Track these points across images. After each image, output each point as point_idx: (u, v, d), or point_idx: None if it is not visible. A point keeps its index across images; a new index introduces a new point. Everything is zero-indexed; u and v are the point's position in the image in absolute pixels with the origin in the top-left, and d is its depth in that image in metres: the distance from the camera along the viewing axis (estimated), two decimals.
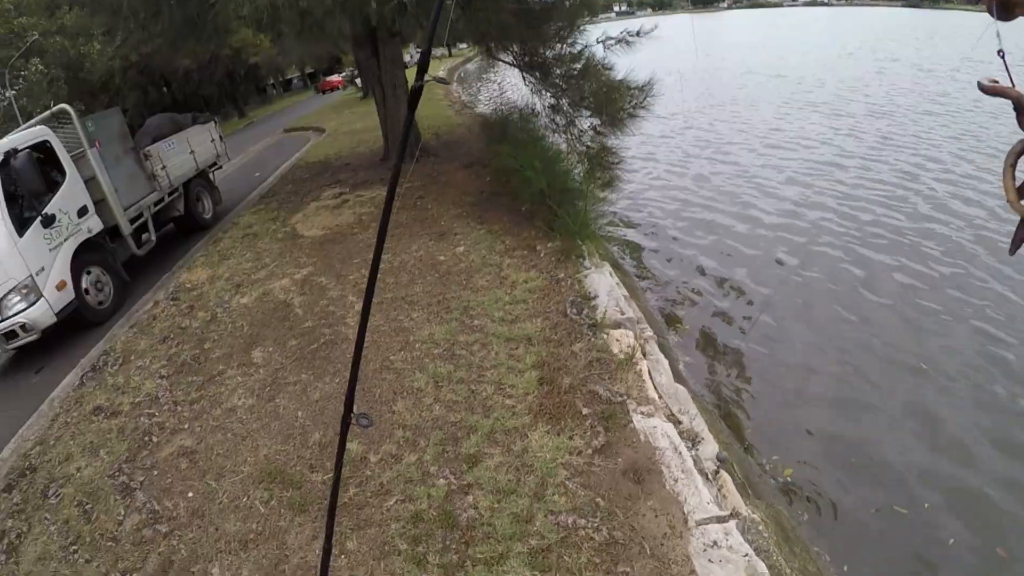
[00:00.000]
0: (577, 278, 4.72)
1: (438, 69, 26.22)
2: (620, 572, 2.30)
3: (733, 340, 4.97)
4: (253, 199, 9.02)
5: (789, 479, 3.50)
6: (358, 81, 21.70)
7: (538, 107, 7.07)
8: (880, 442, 3.82)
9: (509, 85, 13.15)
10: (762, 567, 2.34)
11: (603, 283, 4.63)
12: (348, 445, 2.65)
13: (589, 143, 6.64)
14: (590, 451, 2.89)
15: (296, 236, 6.62)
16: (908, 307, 5.30)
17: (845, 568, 2.93)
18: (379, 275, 4.90)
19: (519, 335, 3.86)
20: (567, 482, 2.69)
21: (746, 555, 2.39)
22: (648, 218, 7.75)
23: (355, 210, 7.01)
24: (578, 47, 6.74)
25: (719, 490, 2.81)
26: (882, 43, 27.75)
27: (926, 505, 3.35)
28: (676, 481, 2.71)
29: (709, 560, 2.35)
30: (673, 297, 5.65)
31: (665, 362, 3.87)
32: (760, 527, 2.64)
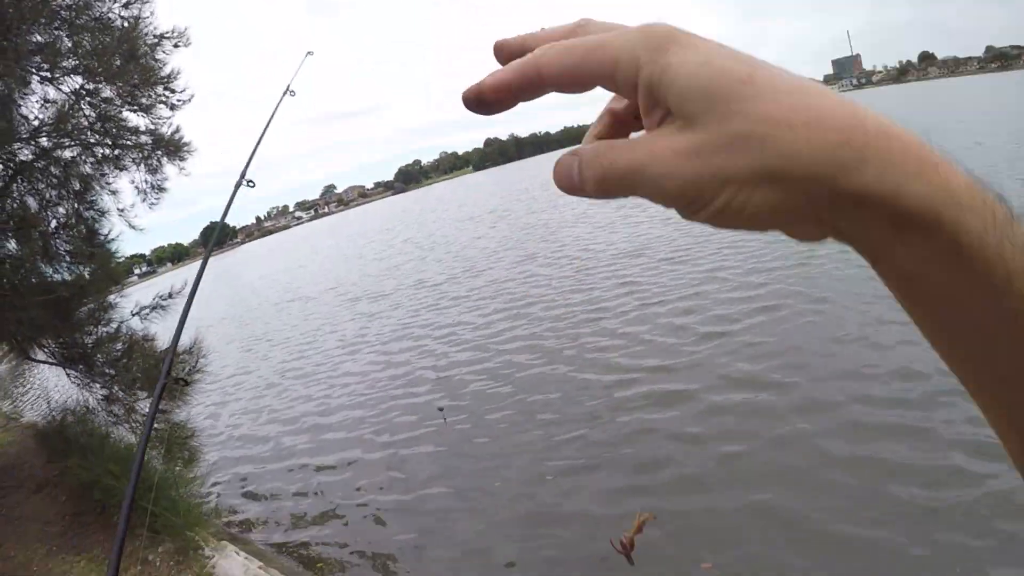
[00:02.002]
0: (206, 573, 4.51)
1: None
2: None
3: (381, 541, 5.08)
4: None
5: None
6: None
7: (91, 403, 6.42)
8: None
9: (53, 386, 13.03)
10: None
11: (235, 566, 4.51)
12: None
13: (156, 425, 6.12)
14: None
15: None
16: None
17: None
18: None
19: None
20: None
21: None
22: (239, 471, 7.70)
23: None
24: (114, 325, 6.22)
25: None
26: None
27: None
28: None
29: None
30: (300, 538, 5.54)
31: None
32: None
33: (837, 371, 5.19)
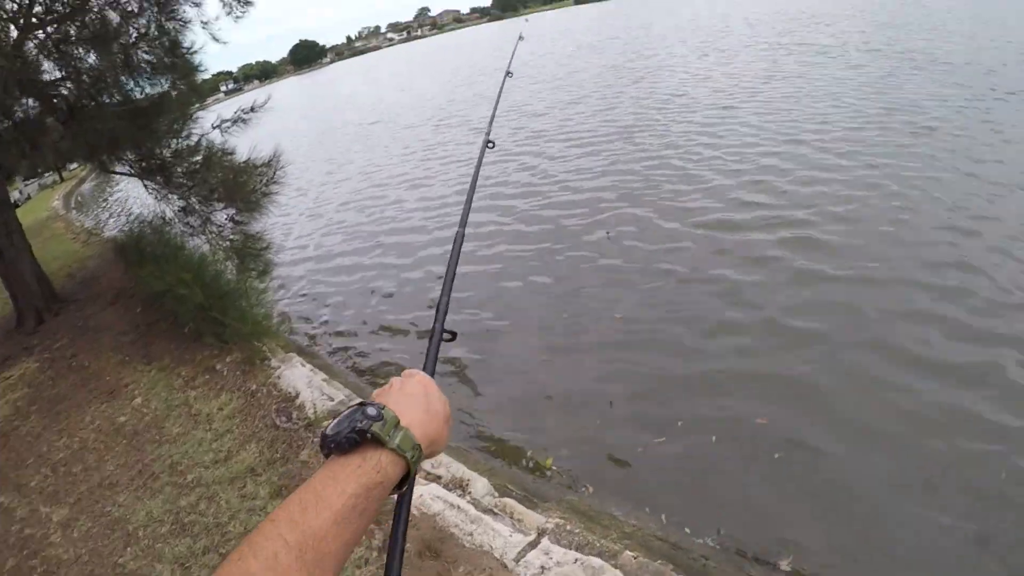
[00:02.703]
0: (270, 383, 4.49)
1: (51, 199, 21.81)
2: None
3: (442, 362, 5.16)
4: None
5: (554, 467, 3.65)
6: None
7: (168, 214, 6.55)
8: (608, 392, 4.19)
9: (133, 199, 11.41)
10: (595, 561, 2.45)
11: (299, 376, 4.50)
12: None
13: (231, 236, 6.20)
14: (374, 553, 2.75)
15: None
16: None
17: (647, 510, 3.20)
18: (63, 468, 4.32)
19: (240, 471, 3.58)
20: None
21: (575, 560, 2.49)
22: (308, 287, 7.86)
23: (7, 397, 5.73)
24: (194, 138, 6.34)
25: (511, 518, 2.87)
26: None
27: (678, 424, 3.75)
28: (471, 535, 2.72)
29: None
30: (366, 353, 5.72)
31: None
32: (567, 526, 2.77)
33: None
